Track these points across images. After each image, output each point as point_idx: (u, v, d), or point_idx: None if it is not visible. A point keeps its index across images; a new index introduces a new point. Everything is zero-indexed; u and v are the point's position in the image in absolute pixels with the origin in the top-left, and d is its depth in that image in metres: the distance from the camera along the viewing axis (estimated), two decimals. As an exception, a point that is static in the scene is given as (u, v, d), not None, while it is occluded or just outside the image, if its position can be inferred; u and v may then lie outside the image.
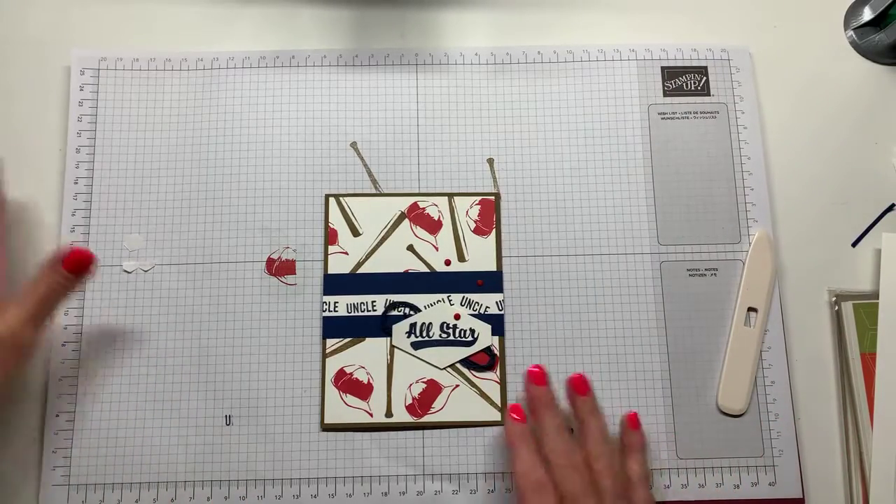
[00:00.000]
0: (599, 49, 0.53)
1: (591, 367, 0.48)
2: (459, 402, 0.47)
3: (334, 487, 0.46)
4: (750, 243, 0.50)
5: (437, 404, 0.47)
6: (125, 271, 0.49)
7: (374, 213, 0.50)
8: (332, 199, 0.50)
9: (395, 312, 0.49)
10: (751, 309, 0.49)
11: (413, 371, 0.48)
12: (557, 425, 0.43)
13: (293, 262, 0.49)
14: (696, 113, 0.52)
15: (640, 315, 0.49)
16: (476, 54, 0.53)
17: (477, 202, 0.50)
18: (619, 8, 0.55)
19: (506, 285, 0.49)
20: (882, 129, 0.53)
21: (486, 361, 0.48)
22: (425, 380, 0.48)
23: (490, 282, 0.49)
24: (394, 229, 0.50)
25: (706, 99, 0.52)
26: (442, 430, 0.47)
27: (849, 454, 0.47)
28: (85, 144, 0.51)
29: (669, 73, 0.53)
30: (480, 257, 0.50)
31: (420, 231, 0.50)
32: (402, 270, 0.49)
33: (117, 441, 0.47)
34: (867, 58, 0.55)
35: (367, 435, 0.47)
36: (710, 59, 0.53)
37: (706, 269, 0.50)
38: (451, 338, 0.48)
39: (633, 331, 0.49)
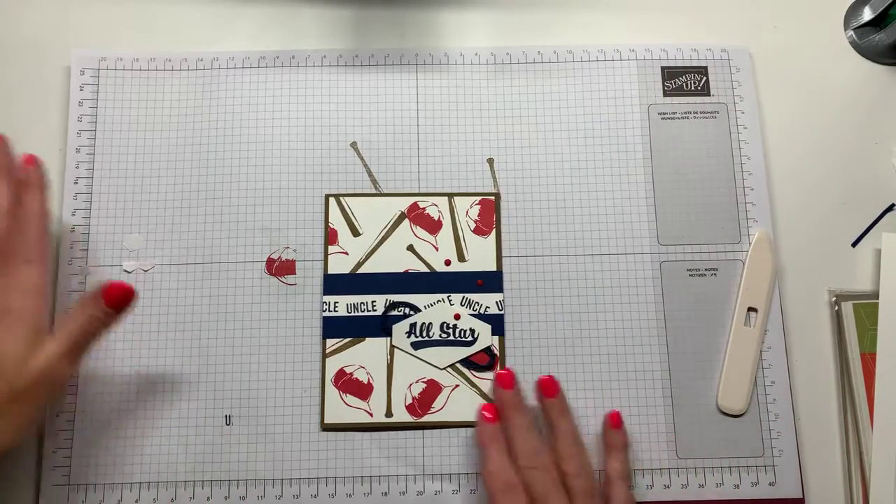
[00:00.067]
0: (599, 49, 0.53)
1: (591, 367, 0.48)
2: (459, 402, 0.47)
3: (334, 487, 0.46)
4: (750, 243, 0.50)
5: (437, 404, 0.47)
6: (125, 271, 0.49)
7: (374, 213, 0.50)
8: (332, 199, 0.50)
9: (395, 312, 0.49)
10: (751, 309, 0.49)
11: (413, 371, 0.48)
12: (526, 426, 0.44)
13: (293, 262, 0.49)
14: (696, 113, 0.52)
15: (640, 315, 0.49)
16: (476, 54, 0.53)
17: (477, 202, 0.50)
18: (618, 8, 0.55)
19: (506, 285, 0.49)
20: (882, 129, 0.53)
21: (486, 361, 0.48)
22: (425, 380, 0.48)
23: (490, 282, 0.49)
24: (394, 229, 0.50)
25: (706, 99, 0.52)
26: (442, 430, 0.47)
27: (849, 454, 0.47)
28: (85, 144, 0.51)
29: (669, 73, 0.53)
30: (480, 257, 0.50)
31: (420, 231, 0.50)
32: (402, 270, 0.49)
33: (117, 441, 0.47)
34: (867, 58, 0.55)
35: (367, 435, 0.47)
36: (710, 59, 0.53)
37: (706, 269, 0.50)
38: (451, 338, 0.48)
39: (633, 331, 0.49)
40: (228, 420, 0.47)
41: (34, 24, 0.54)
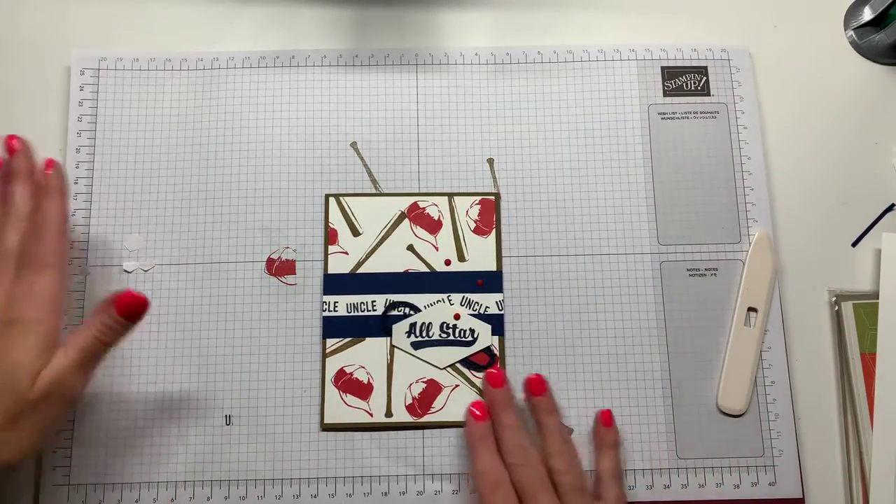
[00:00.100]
0: (599, 49, 0.53)
1: (591, 367, 0.48)
2: (459, 402, 0.47)
3: (334, 487, 0.46)
4: (750, 243, 0.50)
5: (436, 404, 0.47)
6: (125, 271, 0.49)
7: (374, 213, 0.50)
8: (332, 199, 0.50)
9: (395, 312, 0.49)
10: (751, 309, 0.49)
11: (413, 371, 0.48)
12: (515, 424, 0.44)
13: (293, 262, 0.49)
14: (696, 113, 0.52)
15: (640, 315, 0.49)
16: (476, 54, 0.53)
17: (477, 202, 0.50)
18: (618, 8, 0.55)
19: (506, 285, 0.49)
20: (882, 129, 0.53)
21: (486, 361, 0.48)
22: (425, 380, 0.48)
23: (490, 282, 0.49)
24: (394, 229, 0.50)
25: (706, 99, 0.52)
26: (442, 430, 0.47)
27: (849, 454, 0.47)
28: (85, 144, 0.51)
29: (669, 73, 0.53)
30: (480, 257, 0.50)
31: (420, 231, 0.50)
32: (402, 270, 0.49)
33: (117, 441, 0.47)
34: (867, 58, 0.55)
35: (367, 434, 0.47)
36: (710, 59, 0.53)
37: (706, 269, 0.50)
38: (451, 338, 0.48)
39: (633, 331, 0.49)
40: (228, 420, 0.47)
41: (34, 24, 0.54)
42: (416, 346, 0.48)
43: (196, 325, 0.48)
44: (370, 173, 0.51)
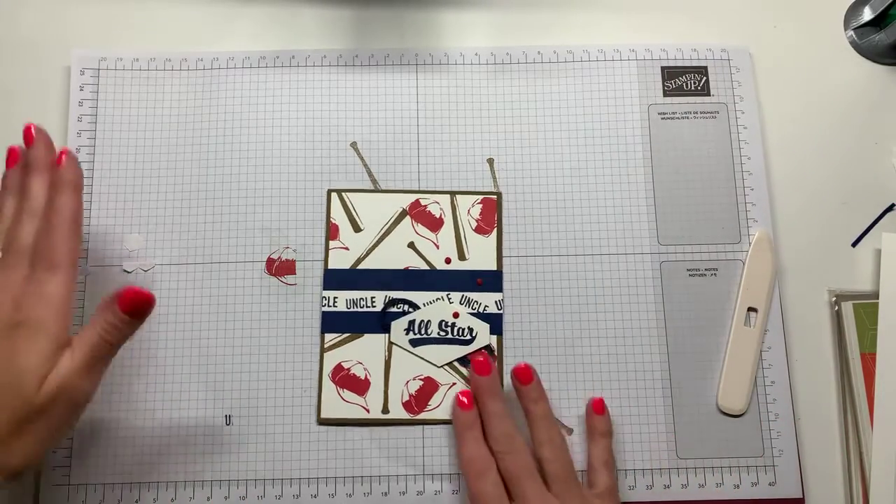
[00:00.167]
0: (599, 49, 0.53)
1: (590, 367, 0.48)
2: (459, 401, 0.47)
3: (334, 487, 0.46)
4: (750, 243, 0.50)
5: (433, 402, 0.47)
6: (125, 271, 0.49)
7: (375, 210, 0.50)
8: (334, 195, 0.50)
9: (394, 309, 0.49)
10: (751, 309, 0.49)
11: (410, 368, 0.48)
12: (501, 412, 0.44)
13: (293, 262, 0.49)
14: (696, 113, 0.52)
15: (640, 315, 0.49)
16: (476, 54, 0.53)
17: (479, 201, 0.50)
18: (618, 8, 0.55)
19: (505, 285, 0.49)
20: (882, 129, 0.53)
21: (486, 361, 0.48)
22: (422, 377, 0.48)
23: (490, 281, 0.49)
24: (395, 226, 0.50)
25: (706, 99, 0.52)
26: (443, 431, 0.47)
27: (849, 454, 0.47)
28: (85, 144, 0.51)
29: (669, 73, 0.53)
30: (481, 256, 0.50)
31: (421, 228, 0.50)
32: (402, 267, 0.49)
33: (117, 441, 0.47)
34: (867, 58, 0.55)
35: (366, 434, 0.47)
36: (710, 59, 0.53)
37: (706, 269, 0.50)
38: (450, 336, 0.48)
39: (633, 331, 0.49)
40: (228, 420, 0.47)
41: (33, 24, 0.54)
42: (414, 343, 0.48)
43: (196, 325, 0.48)
44: (370, 173, 0.51)
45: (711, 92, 0.53)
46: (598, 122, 0.52)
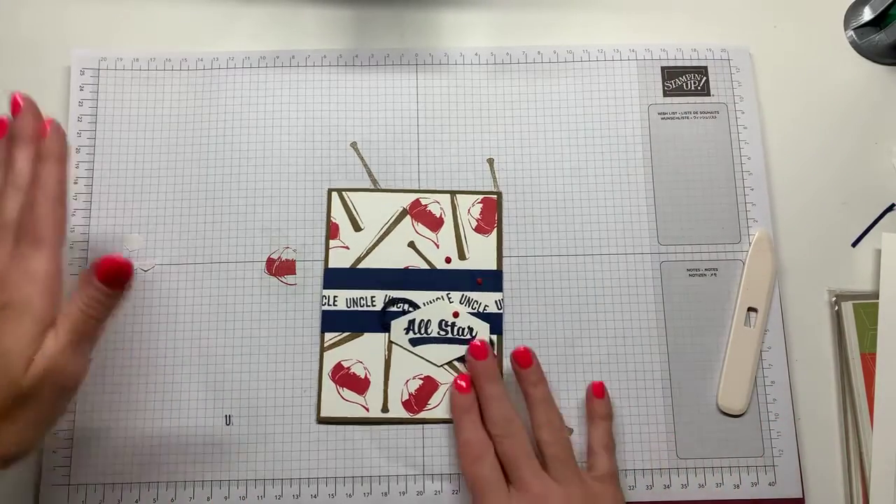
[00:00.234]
0: (599, 49, 0.53)
1: (590, 367, 0.48)
2: (459, 401, 0.47)
3: (334, 487, 0.46)
4: (750, 243, 0.50)
5: (433, 401, 0.47)
6: (125, 271, 0.49)
7: (376, 209, 0.50)
8: (334, 194, 0.50)
9: (394, 308, 0.49)
10: (751, 309, 0.49)
11: (410, 367, 0.48)
12: (498, 396, 0.44)
13: (293, 262, 0.49)
14: (696, 113, 0.52)
15: (640, 315, 0.49)
16: (476, 54, 0.53)
17: (479, 200, 0.50)
18: (618, 8, 0.55)
19: (505, 285, 0.49)
20: (882, 129, 0.53)
21: (486, 361, 0.48)
22: (422, 376, 0.48)
23: (490, 281, 0.49)
24: (395, 225, 0.50)
25: (706, 99, 0.52)
26: (443, 431, 0.47)
27: (849, 454, 0.47)
28: (85, 144, 0.51)
29: (669, 73, 0.53)
30: (481, 256, 0.50)
31: (421, 228, 0.50)
32: (402, 267, 0.49)
33: (117, 441, 0.47)
34: (867, 58, 0.55)
35: (367, 434, 0.47)
36: (710, 59, 0.53)
37: (706, 269, 0.50)
38: (450, 335, 0.48)
39: (633, 331, 0.49)
40: (228, 420, 0.47)
41: (33, 24, 0.54)
42: (414, 342, 0.48)
43: (196, 325, 0.48)
44: (370, 173, 0.51)
45: (711, 92, 0.53)
46: (598, 122, 0.52)
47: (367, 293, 0.49)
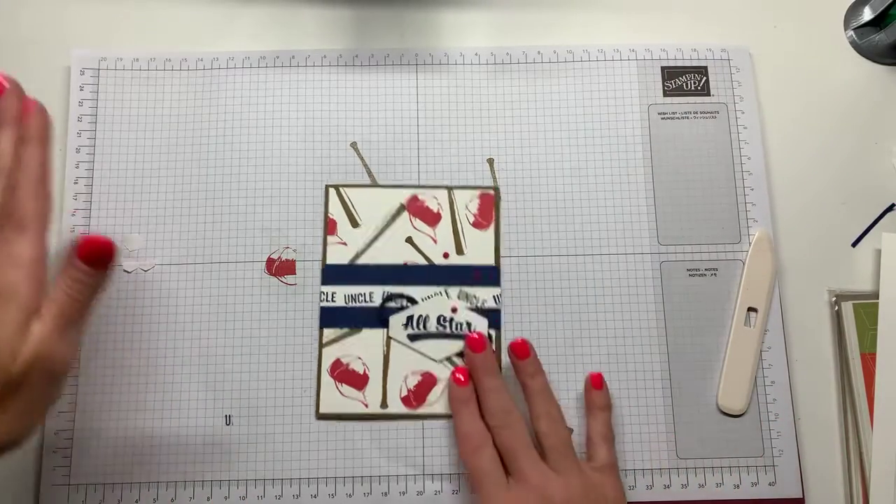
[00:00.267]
0: (599, 49, 0.53)
1: (590, 367, 0.48)
2: (458, 400, 0.47)
3: (334, 487, 0.46)
4: (750, 243, 0.50)
5: (431, 397, 0.47)
6: (125, 271, 0.49)
7: (373, 205, 0.50)
8: (331, 190, 0.50)
9: (392, 304, 0.49)
10: (751, 309, 0.49)
11: (409, 363, 0.48)
12: (496, 387, 0.44)
13: (293, 262, 0.49)
14: (696, 113, 0.52)
15: (640, 315, 0.49)
16: (476, 54, 0.53)
17: (476, 195, 0.50)
18: (618, 8, 0.55)
19: (505, 285, 0.49)
20: (882, 129, 0.53)
21: (486, 361, 0.48)
22: (421, 372, 0.48)
23: (488, 276, 0.49)
24: (393, 221, 0.50)
25: (706, 99, 0.52)
26: (443, 430, 0.47)
27: (849, 454, 0.47)
28: (85, 144, 0.51)
29: (669, 73, 0.53)
30: (479, 251, 0.50)
31: (419, 223, 0.50)
32: (400, 262, 0.49)
33: (117, 441, 0.47)
34: (867, 58, 0.55)
35: (367, 434, 0.47)
36: (710, 59, 0.53)
37: (706, 269, 0.50)
38: (448, 331, 0.48)
39: (633, 331, 0.49)
40: (228, 420, 0.47)
41: (33, 24, 0.54)
42: (412, 338, 0.48)
43: (196, 325, 0.48)
44: (370, 173, 0.51)
45: (711, 92, 0.53)
46: (598, 122, 0.52)
47: (366, 289, 0.49)
